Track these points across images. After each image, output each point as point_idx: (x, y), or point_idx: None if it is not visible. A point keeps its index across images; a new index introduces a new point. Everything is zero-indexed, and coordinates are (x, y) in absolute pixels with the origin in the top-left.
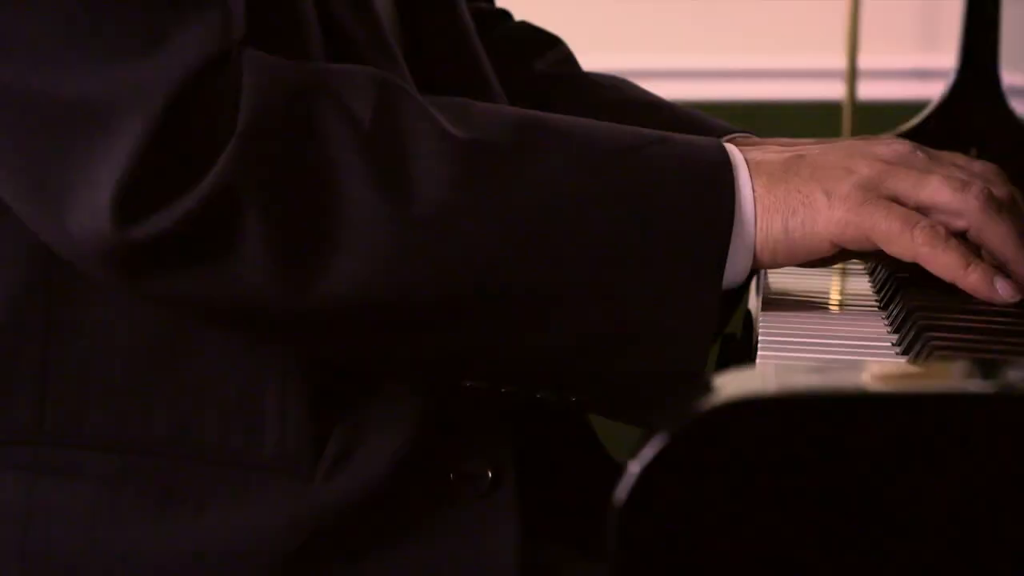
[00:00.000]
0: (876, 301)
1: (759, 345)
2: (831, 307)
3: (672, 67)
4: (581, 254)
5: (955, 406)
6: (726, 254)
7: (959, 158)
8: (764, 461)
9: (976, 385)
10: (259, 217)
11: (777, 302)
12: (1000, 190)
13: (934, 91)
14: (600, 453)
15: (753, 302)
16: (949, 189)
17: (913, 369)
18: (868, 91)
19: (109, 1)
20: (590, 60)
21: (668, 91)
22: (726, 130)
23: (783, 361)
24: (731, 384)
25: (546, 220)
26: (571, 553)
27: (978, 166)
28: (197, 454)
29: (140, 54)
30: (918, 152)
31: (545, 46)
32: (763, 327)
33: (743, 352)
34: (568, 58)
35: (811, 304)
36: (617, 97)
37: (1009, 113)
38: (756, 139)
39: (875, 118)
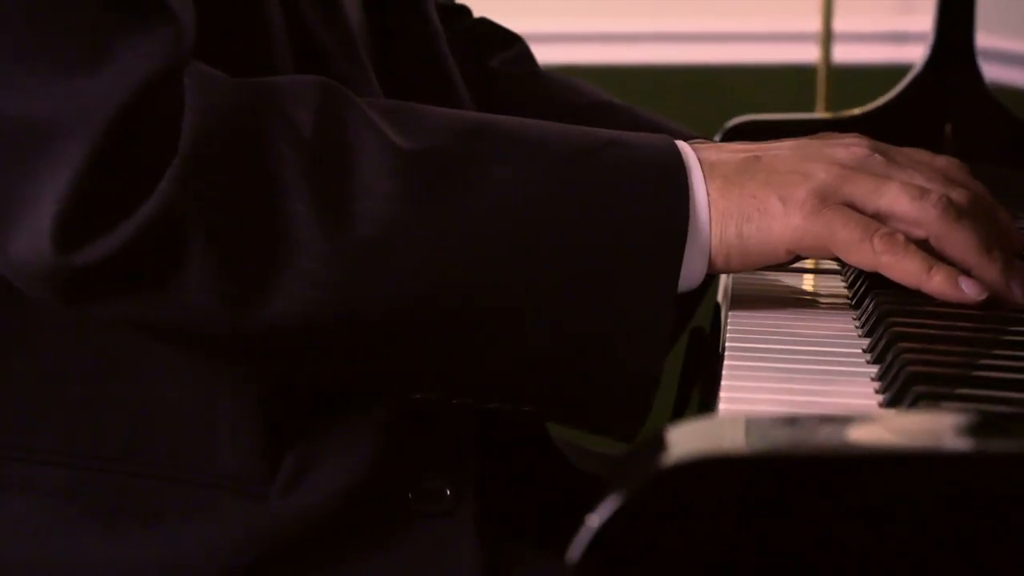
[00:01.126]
0: (848, 299)
1: (726, 350)
2: (801, 305)
3: (646, 31)
4: (533, 266)
5: (931, 466)
6: (680, 261)
7: (920, 155)
8: (725, 521)
9: (951, 443)
10: (202, 241)
11: (746, 298)
12: (960, 195)
13: (910, 55)
14: (560, 462)
15: (721, 293)
16: (907, 197)
17: (888, 423)
18: (843, 55)
19: (55, 14)
20: (562, 23)
21: (642, 55)
22: (683, 135)
23: (749, 373)
24: (693, 438)
25: (496, 233)
26: (536, 569)
27: (940, 162)
28: (148, 470)
29: (85, 71)
30: (876, 155)
31: (503, 44)
32: (731, 328)
33: (711, 348)
34: (525, 57)
35: (781, 301)
36: (573, 98)
37: (983, 86)
38: (716, 143)
39: (850, 82)
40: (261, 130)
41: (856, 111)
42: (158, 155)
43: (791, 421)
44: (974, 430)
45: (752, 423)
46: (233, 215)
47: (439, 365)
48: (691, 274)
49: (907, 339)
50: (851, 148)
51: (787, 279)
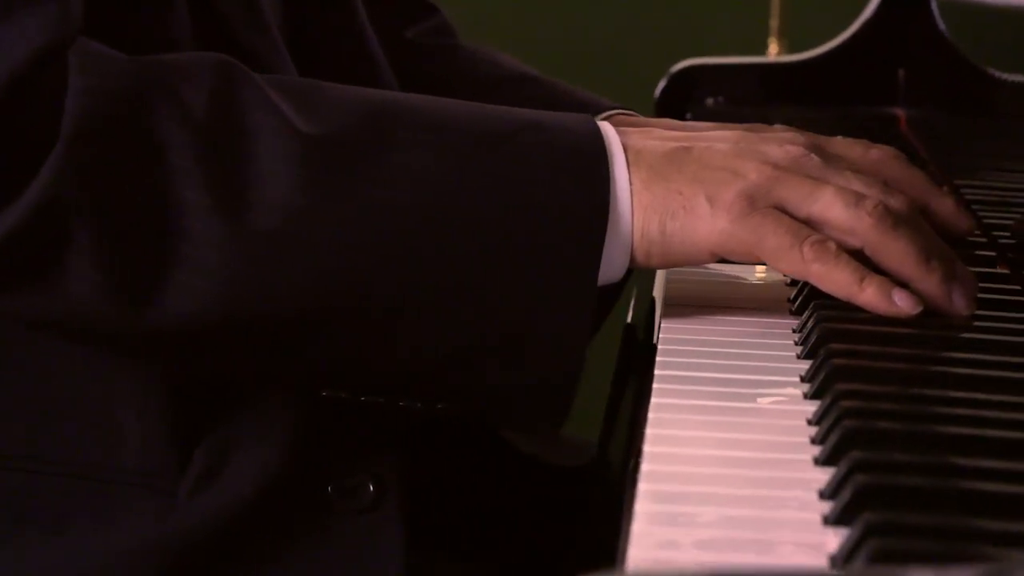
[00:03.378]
0: (789, 300)
1: (656, 369)
2: (740, 310)
3: None
4: (444, 259)
5: None
6: (600, 254)
7: (857, 147)
8: None
9: None
10: (87, 231)
11: (681, 300)
12: (898, 201)
13: None
14: (495, 449)
15: (658, 288)
16: (841, 204)
17: None
18: None
19: None
20: None
21: None
22: (606, 107)
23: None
24: None
25: (403, 224)
26: (463, 571)
27: (876, 153)
28: (53, 468)
29: None
30: (813, 156)
31: (420, 14)
32: (663, 336)
33: (644, 346)
34: (444, 28)
35: (718, 305)
36: (492, 72)
37: (937, 31)
38: (641, 119)
39: (806, 14)
40: (150, 113)
41: (807, 55)
42: (39, 140)
43: None
44: None
45: None
46: (120, 204)
47: (344, 362)
48: (612, 267)
49: (846, 377)
50: (786, 147)
51: (728, 269)
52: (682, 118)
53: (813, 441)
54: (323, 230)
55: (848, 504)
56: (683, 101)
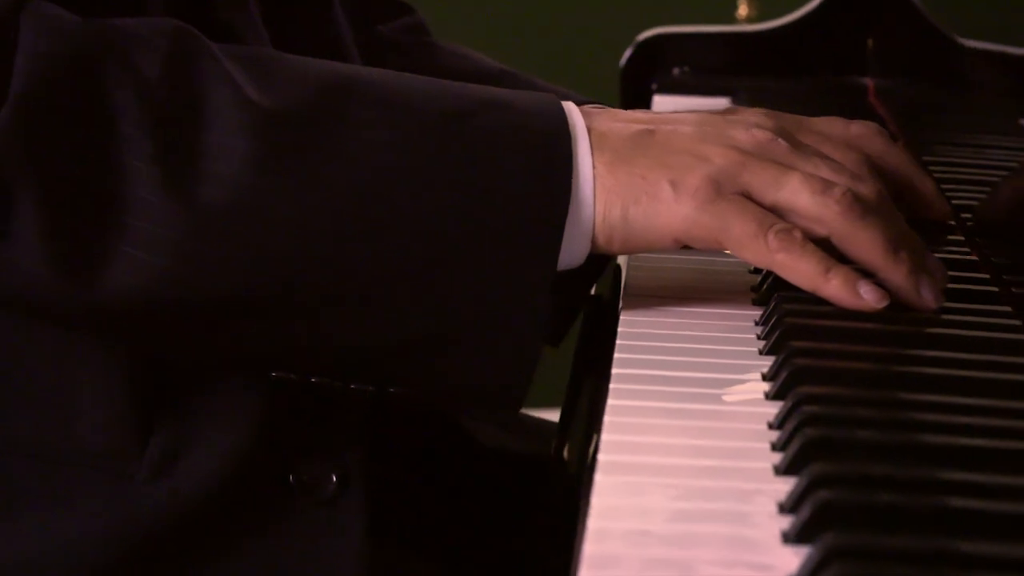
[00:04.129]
0: (753, 289)
1: (614, 367)
2: (702, 297)
3: None
4: (400, 239)
5: None
6: (560, 238)
7: (837, 124)
8: None
9: None
10: (34, 199)
11: (642, 289)
12: (867, 188)
13: None
14: (460, 442)
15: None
16: (808, 192)
17: None
18: None
19: None
20: None
21: None
22: (580, 103)
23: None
24: None
25: (359, 203)
26: (423, 567)
27: (856, 128)
28: (10, 448)
29: None
30: (780, 140)
31: (395, 11)
32: (623, 330)
33: (608, 318)
34: (419, 27)
35: (679, 296)
36: (467, 68)
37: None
38: (610, 110)
39: None
40: (101, 78)
41: (775, 23)
42: None
43: None
44: None
45: None
46: (65, 171)
47: (294, 343)
48: (573, 252)
49: (809, 378)
50: (753, 131)
51: (691, 253)
52: (648, 88)
53: (774, 447)
54: (275, 206)
55: (809, 522)
56: (649, 71)
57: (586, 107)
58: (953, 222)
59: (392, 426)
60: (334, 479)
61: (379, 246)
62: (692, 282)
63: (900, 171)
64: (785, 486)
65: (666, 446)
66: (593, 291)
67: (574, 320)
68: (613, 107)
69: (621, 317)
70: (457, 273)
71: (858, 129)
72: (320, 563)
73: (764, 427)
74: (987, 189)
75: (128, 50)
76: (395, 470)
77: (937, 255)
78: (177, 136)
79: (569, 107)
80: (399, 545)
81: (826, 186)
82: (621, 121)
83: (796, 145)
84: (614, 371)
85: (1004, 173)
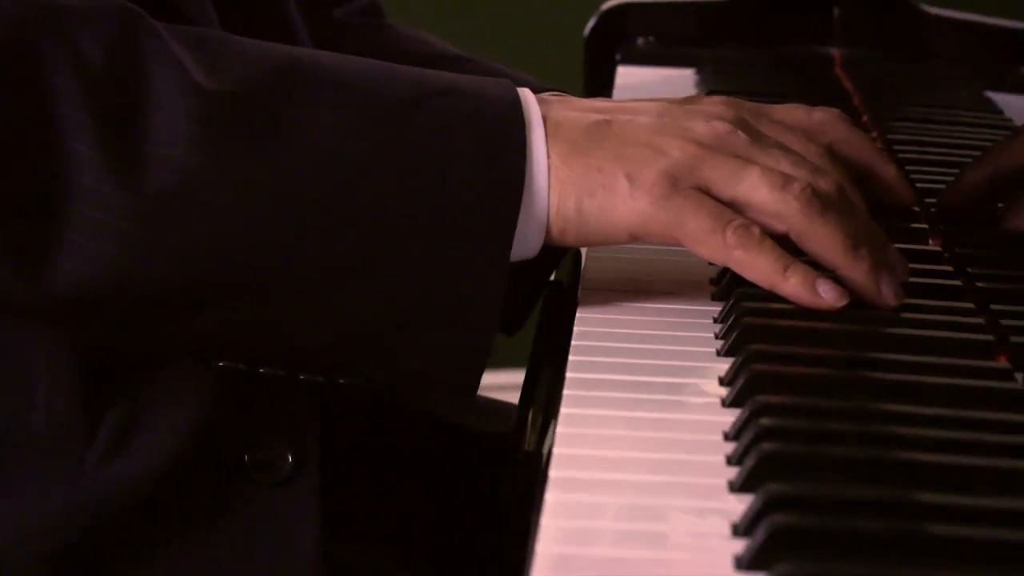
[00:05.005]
0: (712, 282)
1: (569, 362)
2: (660, 291)
3: None
4: (347, 227)
5: None
6: (513, 230)
7: (799, 111)
8: None
9: None
10: None
11: (599, 283)
12: (827, 183)
13: None
14: (419, 420)
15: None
16: (767, 187)
17: None
18: None
19: None
20: None
21: None
22: (538, 89)
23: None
24: None
25: (309, 189)
26: (379, 551)
27: (818, 115)
28: None
29: None
30: (740, 132)
31: None
32: (578, 329)
33: (567, 312)
34: (374, 9)
35: (637, 290)
36: (419, 51)
37: None
38: (569, 96)
39: None
40: (40, 60)
41: None
42: None
43: None
44: None
45: None
46: (6, 157)
47: (240, 334)
48: (527, 243)
49: (767, 386)
50: (712, 123)
51: (648, 252)
52: (612, 58)
53: (729, 461)
54: (221, 192)
55: (763, 547)
56: (613, 41)
57: (543, 95)
58: (917, 208)
59: (349, 404)
60: (289, 459)
61: (327, 233)
62: (651, 271)
63: (862, 158)
64: (740, 505)
65: (619, 460)
66: (553, 275)
67: (532, 309)
68: (577, 77)
69: (578, 314)
70: (408, 262)
71: (819, 116)
72: (276, 545)
73: (720, 438)
74: (952, 171)
75: (69, 30)
76: (352, 449)
77: (899, 245)
78: (121, 120)
79: (525, 95)
80: (355, 527)
81: (786, 181)
82: (578, 110)
83: (756, 137)
84: (568, 375)
85: (969, 152)
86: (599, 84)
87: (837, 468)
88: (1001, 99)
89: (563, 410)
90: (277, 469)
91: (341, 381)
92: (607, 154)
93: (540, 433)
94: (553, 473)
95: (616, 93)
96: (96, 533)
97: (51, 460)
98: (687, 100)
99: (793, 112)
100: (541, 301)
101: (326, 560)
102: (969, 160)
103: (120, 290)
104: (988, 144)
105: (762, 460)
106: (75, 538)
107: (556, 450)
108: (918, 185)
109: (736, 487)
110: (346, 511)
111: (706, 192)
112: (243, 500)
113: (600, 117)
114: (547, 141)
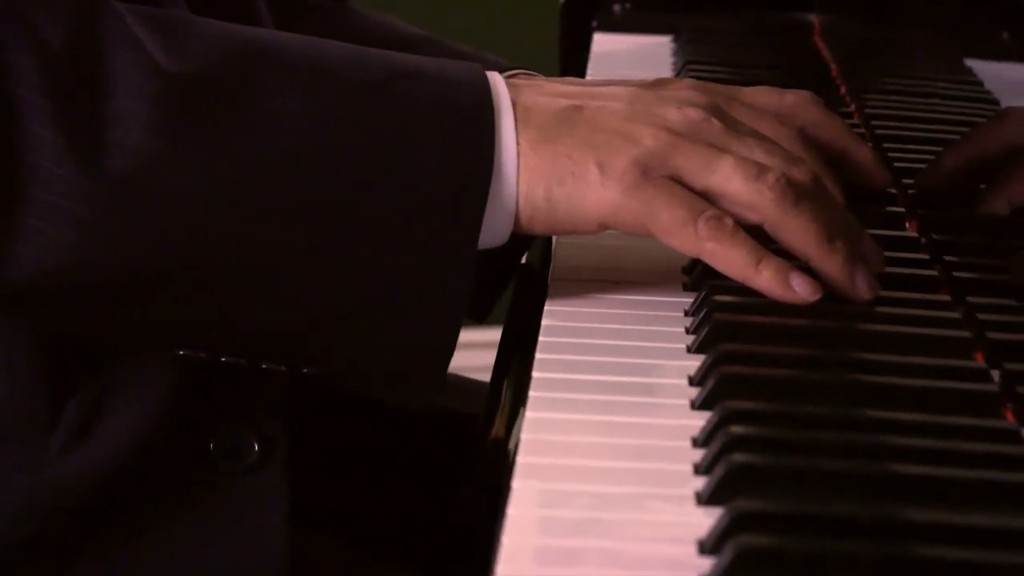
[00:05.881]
0: (684, 271)
1: (535, 371)
2: (631, 280)
3: None
4: (310, 214)
5: None
6: (480, 219)
7: (771, 95)
8: None
9: None
10: None
11: (568, 272)
12: (802, 172)
13: None
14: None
15: None
16: (741, 177)
17: None
18: None
19: None
20: None
21: None
22: (504, 68)
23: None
24: None
25: (270, 175)
26: (349, 541)
27: (789, 99)
28: None
29: None
30: (714, 120)
31: None
32: (546, 324)
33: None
34: None
35: (606, 279)
36: (386, 33)
37: None
38: (539, 78)
39: None
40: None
41: None
42: None
43: None
44: None
45: None
46: None
47: (201, 322)
48: (494, 232)
49: (739, 390)
50: (685, 111)
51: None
52: (588, 26)
53: (697, 471)
54: (181, 177)
55: (729, 569)
56: (589, 8)
57: (514, 79)
58: (894, 190)
59: (318, 392)
60: (256, 447)
61: (289, 221)
62: (623, 256)
63: (836, 141)
64: (708, 519)
65: (584, 469)
66: (525, 257)
67: (500, 294)
68: (553, 44)
69: (546, 307)
70: (372, 251)
71: (792, 99)
72: (242, 534)
73: (688, 444)
74: (930, 148)
75: (27, 10)
76: (323, 437)
77: (875, 231)
78: (80, 102)
79: (494, 79)
80: (324, 517)
81: (760, 171)
82: (548, 95)
83: (730, 124)
84: (535, 375)
85: (948, 128)
86: (575, 51)
87: (808, 482)
88: (982, 66)
89: (528, 414)
90: (243, 457)
91: (304, 371)
92: (577, 141)
93: (508, 424)
94: (516, 484)
95: (592, 60)
96: (59, 521)
97: (13, 448)
98: (659, 83)
99: (764, 95)
100: (513, 285)
101: (294, 550)
102: (948, 137)
103: (78, 277)
104: (967, 118)
105: (731, 472)
106: (37, 527)
107: (520, 459)
108: (896, 164)
109: (704, 499)
110: (316, 501)
111: (678, 181)
112: (209, 488)
113: (571, 103)
114: (516, 127)
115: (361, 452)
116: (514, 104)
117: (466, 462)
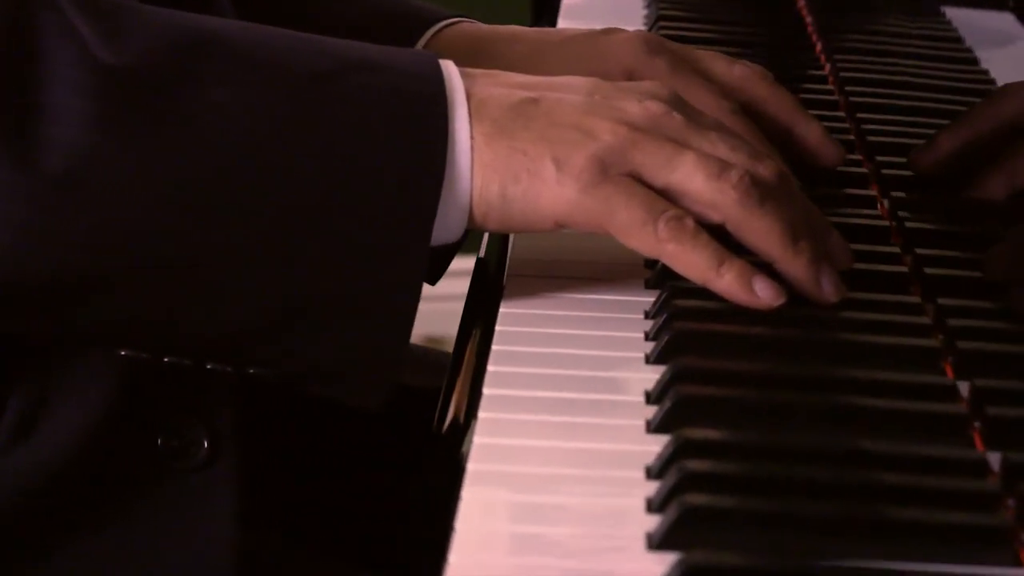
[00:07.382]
0: (646, 265)
1: (494, 348)
2: (591, 277)
3: None
4: (254, 212)
5: None
6: (433, 215)
7: (720, 62)
8: None
9: None
10: None
11: (526, 268)
12: (766, 169)
13: None
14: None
15: None
16: (703, 175)
17: None
18: None
19: None
20: None
21: None
22: (443, 16)
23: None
24: None
25: (211, 171)
26: (301, 541)
27: (739, 70)
28: None
29: None
30: (675, 114)
31: None
32: (500, 328)
33: (493, 285)
34: None
35: (566, 275)
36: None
37: None
38: (484, 28)
39: None
40: None
41: None
42: None
43: None
44: None
45: None
46: None
47: (142, 323)
48: (447, 229)
49: (696, 416)
50: (646, 103)
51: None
52: None
53: (650, 508)
54: (118, 174)
55: None
56: None
57: (467, 69)
58: (865, 170)
59: (269, 387)
60: (205, 445)
61: (232, 218)
62: (582, 248)
63: (783, 117)
64: (659, 567)
65: (531, 505)
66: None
67: (450, 260)
68: (522, 8)
69: (501, 309)
70: (320, 248)
71: (741, 71)
72: (189, 532)
73: (641, 474)
74: (905, 118)
75: None
76: (274, 435)
77: (843, 219)
78: (13, 97)
79: (448, 68)
80: (276, 517)
81: (722, 168)
82: (504, 86)
83: (692, 118)
84: (485, 392)
85: (926, 94)
86: (545, 6)
87: (769, 529)
88: (960, 15)
89: (476, 440)
90: (192, 455)
91: (251, 372)
92: (533, 136)
93: (460, 434)
94: (466, 490)
95: (562, 15)
96: (2, 520)
97: None
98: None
99: (714, 62)
100: (469, 282)
101: (245, 548)
102: (926, 106)
103: (13, 279)
104: (947, 83)
105: (684, 516)
106: None
107: (470, 467)
108: (869, 138)
109: (654, 543)
110: (268, 498)
111: (638, 179)
112: (156, 486)
113: (527, 95)
114: (470, 120)
115: (314, 449)
116: (468, 96)
117: (419, 463)
